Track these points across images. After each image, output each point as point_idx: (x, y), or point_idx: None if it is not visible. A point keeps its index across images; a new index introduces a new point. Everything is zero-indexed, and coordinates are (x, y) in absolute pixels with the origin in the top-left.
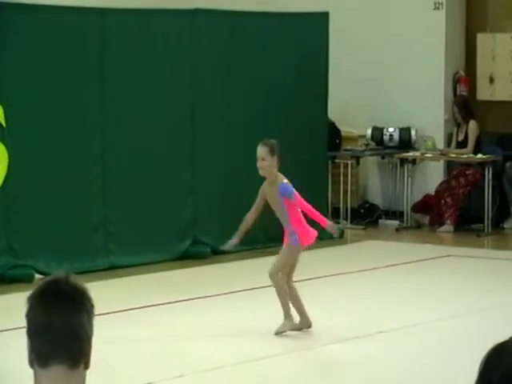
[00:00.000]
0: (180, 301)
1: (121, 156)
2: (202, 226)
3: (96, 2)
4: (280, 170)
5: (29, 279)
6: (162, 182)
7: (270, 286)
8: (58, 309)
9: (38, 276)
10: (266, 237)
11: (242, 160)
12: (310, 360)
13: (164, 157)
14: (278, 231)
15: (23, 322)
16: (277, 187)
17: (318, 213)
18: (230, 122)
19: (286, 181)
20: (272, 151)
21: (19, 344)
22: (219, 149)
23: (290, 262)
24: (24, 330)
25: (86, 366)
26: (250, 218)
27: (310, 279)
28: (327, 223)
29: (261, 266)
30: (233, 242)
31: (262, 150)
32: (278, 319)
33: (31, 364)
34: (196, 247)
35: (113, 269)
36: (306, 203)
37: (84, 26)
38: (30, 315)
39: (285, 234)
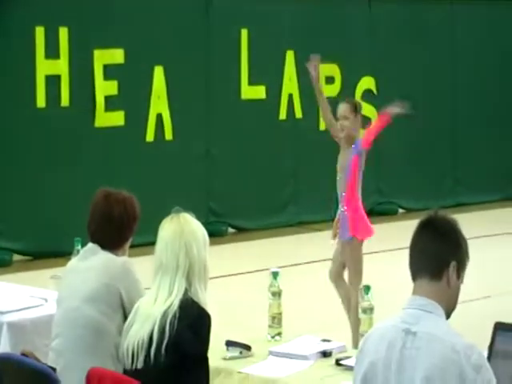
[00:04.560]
0: None
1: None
2: None
3: None
4: None
5: (393, 213)
6: None
7: None
8: (424, 236)
9: (400, 211)
10: None
11: None
12: None
13: None
14: None
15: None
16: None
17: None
18: None
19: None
20: (356, 109)
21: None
22: None
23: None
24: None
25: (449, 285)
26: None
27: None
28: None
29: None
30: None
31: (343, 107)
32: None
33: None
34: None
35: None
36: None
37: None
38: (411, 239)
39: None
